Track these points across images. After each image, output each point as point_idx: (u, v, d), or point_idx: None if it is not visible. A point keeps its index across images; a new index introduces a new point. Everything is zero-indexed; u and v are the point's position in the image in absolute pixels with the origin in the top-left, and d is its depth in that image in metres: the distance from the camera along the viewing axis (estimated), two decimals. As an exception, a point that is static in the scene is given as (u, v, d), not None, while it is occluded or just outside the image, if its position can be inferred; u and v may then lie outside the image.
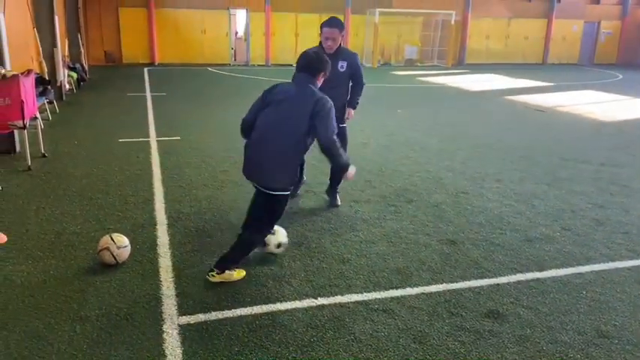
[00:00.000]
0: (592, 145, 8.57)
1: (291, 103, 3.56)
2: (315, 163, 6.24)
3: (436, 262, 4.18)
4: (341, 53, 5.02)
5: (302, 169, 5.61)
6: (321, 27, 4.98)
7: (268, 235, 4.05)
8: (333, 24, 4.92)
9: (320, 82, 3.74)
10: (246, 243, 3.81)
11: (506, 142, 8.56)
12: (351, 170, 3.70)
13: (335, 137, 3.53)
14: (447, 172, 6.71)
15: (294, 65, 4.22)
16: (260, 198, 3.70)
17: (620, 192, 6.07)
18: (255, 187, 3.72)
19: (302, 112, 3.48)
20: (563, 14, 26.90)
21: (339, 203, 5.45)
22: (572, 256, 4.33)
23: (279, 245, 4.15)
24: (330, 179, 5.49)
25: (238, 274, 3.81)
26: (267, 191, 3.61)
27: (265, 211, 3.74)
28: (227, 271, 3.76)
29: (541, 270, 4.08)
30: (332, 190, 5.51)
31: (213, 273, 3.74)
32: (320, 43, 5.07)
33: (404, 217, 5.15)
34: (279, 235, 4.16)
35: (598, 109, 12.46)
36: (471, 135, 9.11)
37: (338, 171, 5.08)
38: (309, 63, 3.71)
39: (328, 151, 3.54)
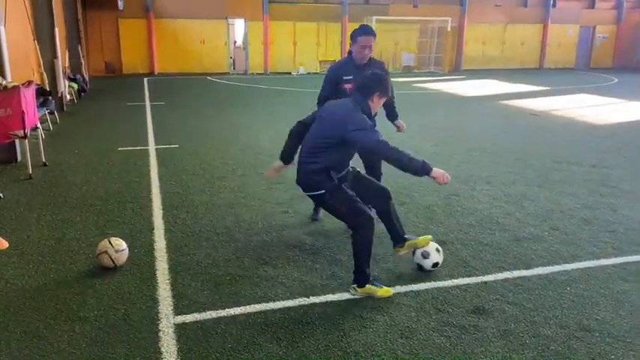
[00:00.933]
0: (584, 147, 8.70)
1: (326, 119, 3.82)
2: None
3: (426, 261, 4.29)
4: (373, 63, 4.72)
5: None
6: (355, 36, 4.58)
7: (429, 252, 4.04)
8: (369, 31, 4.56)
9: (376, 102, 3.81)
10: (359, 242, 3.72)
11: (500, 146, 8.69)
12: (437, 172, 3.55)
13: (382, 140, 3.55)
14: (440, 176, 6.82)
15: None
16: (321, 206, 3.94)
17: (610, 193, 6.19)
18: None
19: (333, 127, 3.69)
20: (558, 19, 27.12)
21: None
22: (559, 255, 4.44)
23: (435, 264, 4.07)
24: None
25: (385, 292, 3.70)
26: (309, 194, 3.88)
27: (336, 213, 3.86)
28: (368, 285, 3.70)
29: (528, 268, 4.19)
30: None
31: (355, 287, 3.73)
32: (349, 52, 4.70)
33: (396, 219, 5.26)
34: (437, 254, 4.07)
35: (592, 113, 12.60)
36: (466, 139, 9.24)
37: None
38: (362, 83, 3.81)
39: (381, 154, 3.63)
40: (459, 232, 4.92)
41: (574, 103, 14.40)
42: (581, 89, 17.93)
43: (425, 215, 5.37)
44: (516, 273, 4.10)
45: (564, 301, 3.68)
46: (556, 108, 13.40)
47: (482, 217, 5.32)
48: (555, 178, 6.78)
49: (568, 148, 8.65)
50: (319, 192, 3.81)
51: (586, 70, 27.61)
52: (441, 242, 4.65)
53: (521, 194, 6.09)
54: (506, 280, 3.99)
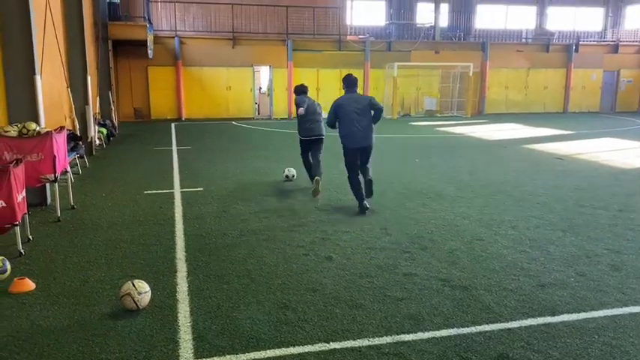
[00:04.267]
0: (610, 191, 8.56)
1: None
2: (333, 212, 6.43)
3: (448, 307, 4.24)
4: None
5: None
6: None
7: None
8: None
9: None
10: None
11: (523, 190, 8.61)
12: None
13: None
14: (463, 220, 6.79)
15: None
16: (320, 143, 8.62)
17: (637, 238, 6.05)
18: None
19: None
20: (581, 64, 27.14)
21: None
22: (586, 301, 4.34)
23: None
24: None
25: None
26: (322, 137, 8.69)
27: (322, 147, 8.67)
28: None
29: (553, 315, 4.10)
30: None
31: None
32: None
33: (418, 263, 5.23)
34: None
35: (617, 156, 12.44)
36: (488, 183, 9.19)
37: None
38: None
39: None
40: (483, 278, 4.85)
41: (599, 147, 14.25)
42: (606, 133, 17.76)
43: (448, 260, 5.32)
44: (541, 320, 4.01)
45: (592, 349, 3.57)
46: (581, 152, 13.28)
47: (507, 262, 5.24)
48: (580, 223, 6.67)
49: (593, 192, 8.53)
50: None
51: (611, 113, 27.39)
52: (463, 288, 4.62)
53: (546, 239, 6.00)
54: (530, 326, 3.90)
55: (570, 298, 4.39)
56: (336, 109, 7.25)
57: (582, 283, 4.71)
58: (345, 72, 24.96)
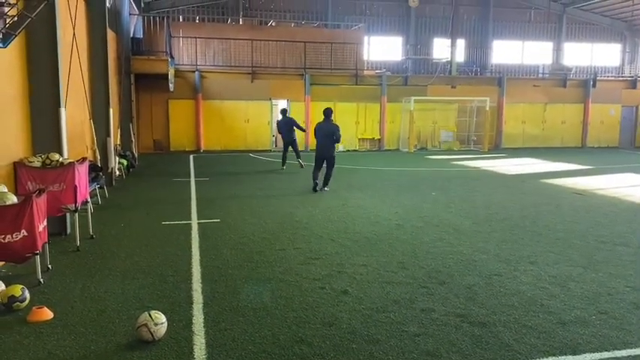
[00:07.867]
0: (631, 227, 8.42)
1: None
2: (349, 245, 6.41)
3: (467, 344, 4.17)
4: None
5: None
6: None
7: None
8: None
9: None
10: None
11: (542, 225, 8.51)
12: None
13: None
14: (481, 254, 6.72)
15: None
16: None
17: (661, 275, 5.93)
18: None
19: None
20: (599, 99, 27.05)
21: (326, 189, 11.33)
22: (608, 340, 4.24)
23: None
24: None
25: None
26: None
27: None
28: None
29: (575, 354, 4.01)
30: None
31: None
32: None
33: (436, 298, 5.17)
34: None
35: (637, 192, 12.26)
36: (506, 217, 9.11)
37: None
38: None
39: None
40: (502, 314, 4.77)
41: (619, 182, 14.08)
42: (626, 168, 17.56)
43: (466, 295, 5.25)
44: (562, 359, 3.93)
45: (616, 390, 3.47)
46: (600, 187, 13.12)
47: (526, 299, 5.16)
48: (601, 259, 6.56)
49: (613, 227, 8.39)
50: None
51: (630, 149, 27.13)
52: (482, 324, 4.55)
53: (566, 275, 5.90)
54: (551, 366, 3.82)
55: (592, 337, 4.30)
56: (317, 130, 11.65)
57: (604, 322, 4.61)
58: (362, 105, 25.51)
